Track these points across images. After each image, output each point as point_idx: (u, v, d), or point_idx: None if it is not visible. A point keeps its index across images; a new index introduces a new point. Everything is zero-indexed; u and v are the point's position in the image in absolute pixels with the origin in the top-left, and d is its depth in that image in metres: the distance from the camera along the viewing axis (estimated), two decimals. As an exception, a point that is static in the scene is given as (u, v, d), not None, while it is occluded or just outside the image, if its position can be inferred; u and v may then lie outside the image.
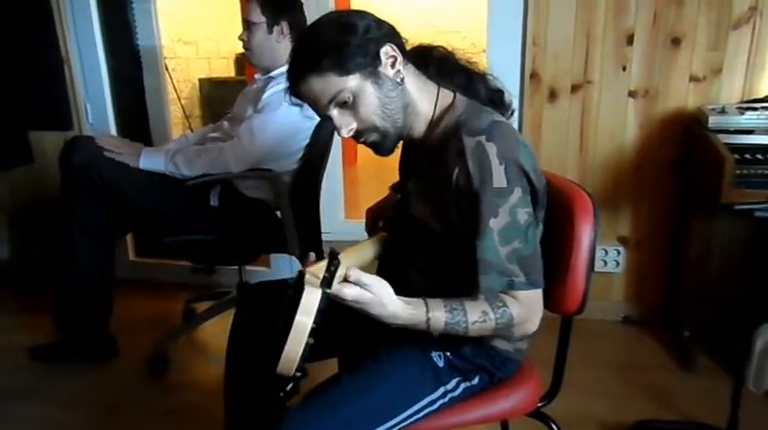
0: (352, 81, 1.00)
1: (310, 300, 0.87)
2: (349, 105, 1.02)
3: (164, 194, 1.93)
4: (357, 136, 1.06)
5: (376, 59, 1.02)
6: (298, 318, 0.86)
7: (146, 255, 2.99)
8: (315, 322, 0.87)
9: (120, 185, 1.91)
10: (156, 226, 2.00)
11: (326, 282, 0.89)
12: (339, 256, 0.91)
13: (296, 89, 1.04)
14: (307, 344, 0.87)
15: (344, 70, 0.99)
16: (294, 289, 0.93)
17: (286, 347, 0.87)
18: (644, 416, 1.79)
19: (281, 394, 0.95)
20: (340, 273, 0.90)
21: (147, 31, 2.79)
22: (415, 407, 1.07)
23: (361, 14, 1.04)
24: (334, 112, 1.03)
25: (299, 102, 1.07)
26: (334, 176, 2.64)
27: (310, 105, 1.06)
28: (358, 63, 1.00)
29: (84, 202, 1.97)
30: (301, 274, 0.92)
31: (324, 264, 0.91)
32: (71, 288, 2.05)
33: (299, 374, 0.89)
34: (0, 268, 3.05)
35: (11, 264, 3.06)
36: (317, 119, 1.96)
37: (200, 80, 4.83)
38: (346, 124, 1.04)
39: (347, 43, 0.99)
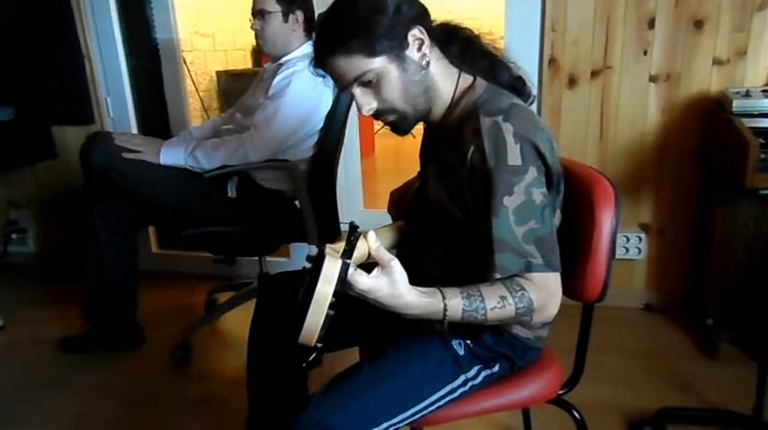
0: (378, 63, 1.00)
1: (331, 270, 0.87)
2: (372, 85, 1.03)
3: (183, 189, 1.96)
4: (377, 115, 1.07)
5: (403, 42, 1.01)
6: (319, 287, 0.86)
7: (168, 247, 3.04)
8: (335, 293, 0.87)
9: (139, 184, 1.95)
10: (176, 219, 2.03)
11: (347, 253, 0.90)
12: (359, 229, 0.91)
13: (321, 62, 1.04)
14: (327, 314, 0.87)
15: (372, 52, 0.99)
16: (314, 261, 0.94)
17: (307, 317, 0.87)
18: (667, 404, 1.77)
19: (304, 365, 0.95)
20: (361, 253, 0.89)
21: (164, 25, 2.81)
22: (436, 395, 1.07)
23: None
24: (357, 91, 1.04)
25: (322, 73, 1.06)
26: (351, 167, 2.65)
27: (333, 79, 1.06)
28: (385, 45, 0.99)
29: (106, 200, 2.02)
30: (321, 251, 0.93)
31: (344, 242, 0.92)
32: (97, 281, 2.09)
33: (320, 345, 0.89)
34: (27, 261, 3.12)
35: (37, 257, 3.13)
36: (329, 98, 1.98)
37: (217, 73, 4.85)
38: (367, 103, 1.05)
39: (377, 23, 0.98)
